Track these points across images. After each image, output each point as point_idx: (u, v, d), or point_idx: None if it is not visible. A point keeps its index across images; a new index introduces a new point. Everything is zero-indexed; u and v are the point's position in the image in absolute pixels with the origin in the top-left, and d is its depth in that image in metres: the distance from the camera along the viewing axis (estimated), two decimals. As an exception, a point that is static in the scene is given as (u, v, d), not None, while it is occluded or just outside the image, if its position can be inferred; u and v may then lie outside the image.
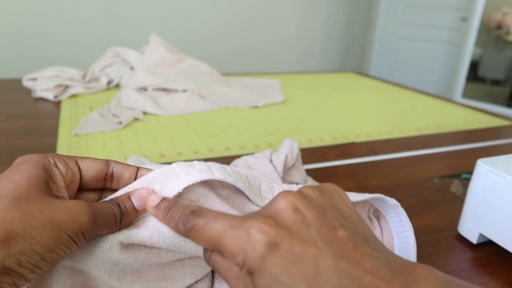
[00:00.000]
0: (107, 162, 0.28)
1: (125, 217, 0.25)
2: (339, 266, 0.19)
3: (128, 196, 0.25)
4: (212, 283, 0.31)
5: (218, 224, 0.22)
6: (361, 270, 0.19)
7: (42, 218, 0.20)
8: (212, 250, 0.22)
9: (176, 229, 0.24)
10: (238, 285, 0.21)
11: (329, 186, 0.25)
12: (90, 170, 0.27)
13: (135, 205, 0.25)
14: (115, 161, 0.28)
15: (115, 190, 0.27)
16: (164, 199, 0.25)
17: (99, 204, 0.24)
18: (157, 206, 0.25)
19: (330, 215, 0.22)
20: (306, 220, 0.21)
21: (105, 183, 0.28)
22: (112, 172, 0.28)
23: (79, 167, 0.27)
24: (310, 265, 0.19)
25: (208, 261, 0.23)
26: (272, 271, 0.19)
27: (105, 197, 0.27)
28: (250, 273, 0.20)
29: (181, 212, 0.23)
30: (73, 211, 0.22)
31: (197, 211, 0.23)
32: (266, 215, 0.21)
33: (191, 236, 0.23)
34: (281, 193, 0.22)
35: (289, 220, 0.21)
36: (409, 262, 0.20)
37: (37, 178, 0.23)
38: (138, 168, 0.29)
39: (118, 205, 0.25)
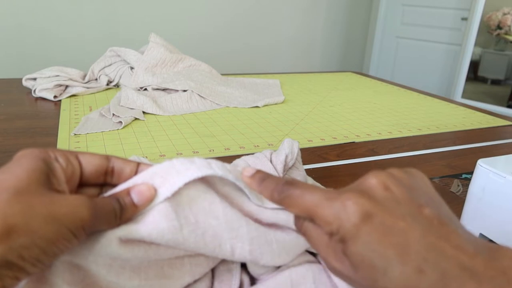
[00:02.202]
0: (107, 157, 0.28)
1: (125, 212, 0.25)
2: (426, 240, 0.20)
3: (127, 191, 0.25)
4: (212, 283, 0.31)
5: (315, 194, 0.23)
6: (447, 244, 0.20)
7: (44, 212, 0.20)
8: (305, 218, 0.24)
9: (271, 198, 0.26)
10: (328, 253, 0.23)
11: (414, 171, 0.26)
12: (90, 165, 0.27)
13: (135, 200, 0.25)
14: (116, 157, 0.28)
15: (116, 185, 0.27)
16: (258, 170, 0.27)
17: (100, 199, 0.24)
18: (252, 176, 0.27)
19: (416, 195, 0.23)
20: (396, 197, 0.22)
21: (105, 178, 0.28)
22: (113, 167, 0.28)
23: (79, 162, 0.26)
24: (400, 237, 0.20)
25: (299, 228, 0.25)
26: (365, 240, 0.21)
27: (105, 192, 0.27)
28: (343, 241, 0.21)
29: (276, 183, 0.25)
30: (74, 206, 0.22)
31: (292, 182, 0.25)
32: (360, 190, 0.23)
33: (286, 203, 0.25)
34: (371, 172, 0.24)
35: (380, 196, 0.22)
36: (491, 243, 0.21)
37: (38, 171, 0.23)
38: (138, 164, 0.28)
39: (118, 200, 0.25)
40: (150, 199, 0.25)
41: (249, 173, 0.27)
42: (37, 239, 0.20)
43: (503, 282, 0.19)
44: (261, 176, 0.27)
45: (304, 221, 0.25)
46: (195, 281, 0.30)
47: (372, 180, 0.23)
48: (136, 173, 0.28)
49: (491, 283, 0.19)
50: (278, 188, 0.25)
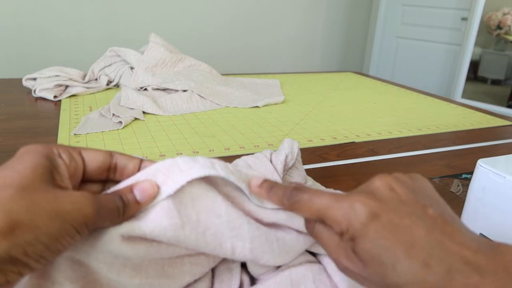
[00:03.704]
0: (110, 154, 0.27)
1: (128, 209, 0.25)
2: (431, 237, 0.22)
3: (130, 188, 0.25)
4: (212, 283, 0.31)
5: (323, 198, 0.25)
6: (450, 241, 0.21)
7: (48, 208, 0.20)
8: (315, 220, 0.27)
9: (281, 204, 0.28)
10: (339, 252, 0.25)
11: (417, 175, 0.27)
12: (93, 161, 0.27)
13: (138, 197, 0.25)
14: (119, 153, 0.28)
15: (119, 181, 0.27)
16: (265, 180, 0.29)
17: (103, 196, 0.24)
18: (260, 186, 0.29)
19: (420, 196, 0.24)
20: (401, 198, 0.24)
21: (108, 175, 0.28)
22: (116, 163, 0.28)
23: (82, 158, 0.26)
24: (406, 234, 0.22)
25: (311, 232, 0.27)
26: (373, 237, 0.22)
27: (108, 188, 0.27)
28: (353, 239, 0.23)
29: (284, 190, 0.27)
30: (78, 202, 0.22)
31: (300, 188, 0.27)
32: (367, 192, 0.25)
33: (296, 208, 0.26)
34: (377, 175, 0.26)
35: (386, 197, 0.24)
36: (494, 241, 0.23)
37: (41, 167, 0.22)
38: (141, 160, 0.28)
39: (121, 197, 0.24)
40: (153, 197, 0.25)
41: (257, 183, 0.29)
42: (41, 236, 0.20)
43: (505, 276, 0.20)
44: (269, 185, 0.29)
45: (315, 223, 0.26)
46: (195, 281, 0.30)
47: (378, 183, 0.25)
48: (139, 169, 0.28)
49: (493, 277, 0.20)
50: (287, 194, 0.27)
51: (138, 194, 0.25)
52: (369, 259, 0.22)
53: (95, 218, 0.22)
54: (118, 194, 0.25)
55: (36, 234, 0.20)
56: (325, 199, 0.25)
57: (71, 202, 0.22)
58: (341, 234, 0.24)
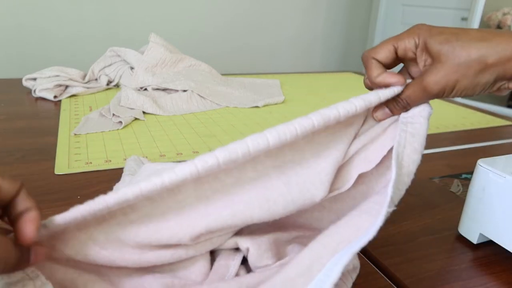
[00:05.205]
0: (19, 188, 0.25)
1: (22, 262, 0.25)
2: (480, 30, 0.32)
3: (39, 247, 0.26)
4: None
5: (400, 77, 0.35)
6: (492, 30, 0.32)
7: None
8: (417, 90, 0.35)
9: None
10: (427, 73, 0.33)
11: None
12: (4, 193, 0.25)
13: (31, 259, 0.25)
14: (25, 191, 0.26)
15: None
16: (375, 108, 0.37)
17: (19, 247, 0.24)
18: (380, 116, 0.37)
19: None
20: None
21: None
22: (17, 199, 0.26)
23: None
24: (460, 28, 0.32)
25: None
26: (437, 32, 0.33)
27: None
28: (425, 44, 0.33)
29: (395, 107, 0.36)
30: (8, 250, 0.23)
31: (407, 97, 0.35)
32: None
33: (413, 102, 0.35)
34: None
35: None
36: None
37: None
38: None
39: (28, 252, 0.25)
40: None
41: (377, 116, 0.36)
42: None
43: None
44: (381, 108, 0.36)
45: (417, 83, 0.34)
46: (192, 273, 0.30)
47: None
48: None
49: None
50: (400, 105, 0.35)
51: (32, 256, 0.25)
52: (439, 49, 0.31)
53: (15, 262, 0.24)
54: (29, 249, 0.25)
55: None
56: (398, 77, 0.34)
57: (5, 250, 0.23)
58: (416, 47, 0.33)
